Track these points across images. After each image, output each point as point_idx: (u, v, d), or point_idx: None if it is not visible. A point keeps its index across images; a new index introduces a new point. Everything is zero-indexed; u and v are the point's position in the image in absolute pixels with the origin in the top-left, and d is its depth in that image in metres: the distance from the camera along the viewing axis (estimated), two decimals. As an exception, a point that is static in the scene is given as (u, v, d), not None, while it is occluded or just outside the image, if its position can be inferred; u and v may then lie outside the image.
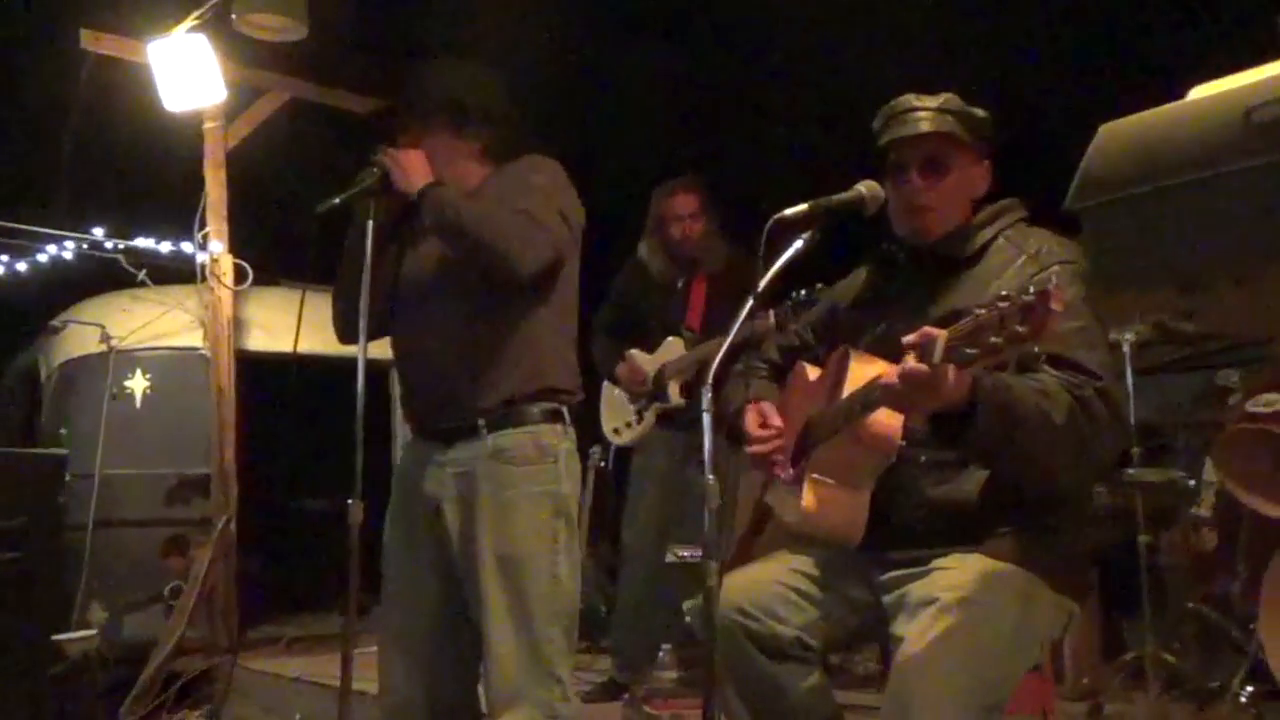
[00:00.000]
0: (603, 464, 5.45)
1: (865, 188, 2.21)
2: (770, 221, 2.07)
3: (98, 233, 5.80)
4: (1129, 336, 3.79)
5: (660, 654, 4.43)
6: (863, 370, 2.11)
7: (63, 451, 5.26)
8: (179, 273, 5.97)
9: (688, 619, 4.73)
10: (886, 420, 2.05)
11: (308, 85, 6.04)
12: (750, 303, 2.07)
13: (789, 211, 2.11)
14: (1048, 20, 4.78)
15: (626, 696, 4.00)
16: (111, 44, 5.49)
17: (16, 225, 5.66)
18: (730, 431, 2.39)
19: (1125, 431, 2.00)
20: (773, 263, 2.11)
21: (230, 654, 5.36)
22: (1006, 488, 2.05)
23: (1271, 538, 3.38)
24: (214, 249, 5.78)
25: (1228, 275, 2.61)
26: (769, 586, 2.17)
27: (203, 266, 5.79)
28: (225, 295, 5.85)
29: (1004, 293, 1.66)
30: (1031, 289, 1.61)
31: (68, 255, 5.83)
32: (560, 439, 2.55)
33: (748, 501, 2.53)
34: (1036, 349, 1.74)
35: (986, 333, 1.66)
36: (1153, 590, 3.81)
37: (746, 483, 2.53)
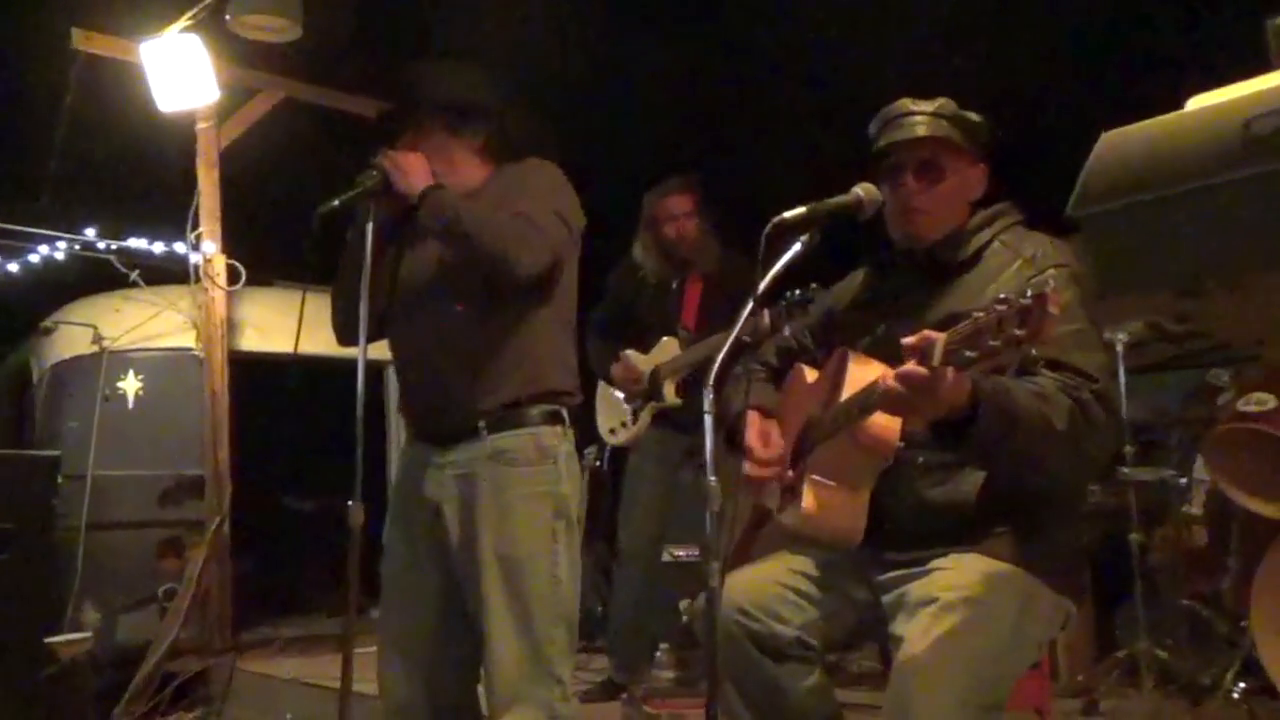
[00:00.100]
0: (598, 464, 5.46)
1: (863, 191, 2.23)
2: (769, 224, 2.08)
3: (90, 233, 5.78)
4: (1122, 336, 3.83)
5: (658, 654, 4.45)
6: (861, 372, 2.12)
7: (55, 453, 5.24)
8: (172, 273, 5.96)
9: (684, 619, 4.76)
10: (885, 422, 2.06)
11: (301, 85, 6.04)
12: (751, 304, 2.09)
13: (788, 214, 2.12)
14: (1048, 26, 4.79)
15: (625, 696, 4.01)
16: (103, 44, 5.49)
17: (8, 225, 5.64)
18: (729, 435, 2.40)
19: (1121, 433, 2.02)
20: (772, 265, 2.12)
21: (233, 653, 5.36)
22: (1004, 489, 2.07)
23: (1263, 535, 3.41)
24: (207, 249, 5.78)
25: (1225, 282, 2.63)
26: (770, 587, 2.18)
27: (196, 267, 5.79)
28: (219, 296, 5.86)
29: (1002, 296, 1.67)
30: (1029, 292, 1.63)
31: (60, 255, 5.82)
32: (560, 440, 2.56)
33: (747, 502, 2.54)
34: (1034, 352, 1.76)
35: (985, 336, 1.68)
36: (1145, 587, 3.84)
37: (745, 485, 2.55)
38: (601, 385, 4.40)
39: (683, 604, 4.80)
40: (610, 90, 5.78)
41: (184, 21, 5.20)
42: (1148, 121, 2.83)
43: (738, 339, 2.03)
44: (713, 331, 4.07)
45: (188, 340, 5.94)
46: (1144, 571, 3.88)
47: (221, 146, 5.88)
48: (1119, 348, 3.79)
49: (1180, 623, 3.90)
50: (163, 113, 5.43)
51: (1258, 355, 3.87)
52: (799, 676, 2.14)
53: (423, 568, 2.57)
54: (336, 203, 2.51)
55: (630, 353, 4.30)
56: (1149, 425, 4.49)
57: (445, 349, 2.54)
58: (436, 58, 2.74)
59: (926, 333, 1.81)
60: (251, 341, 6.12)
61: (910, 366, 1.82)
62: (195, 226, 5.78)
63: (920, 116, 2.27)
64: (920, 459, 2.13)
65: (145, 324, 5.90)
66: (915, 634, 1.93)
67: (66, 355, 5.92)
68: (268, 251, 6.08)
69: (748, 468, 2.32)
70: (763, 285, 2.08)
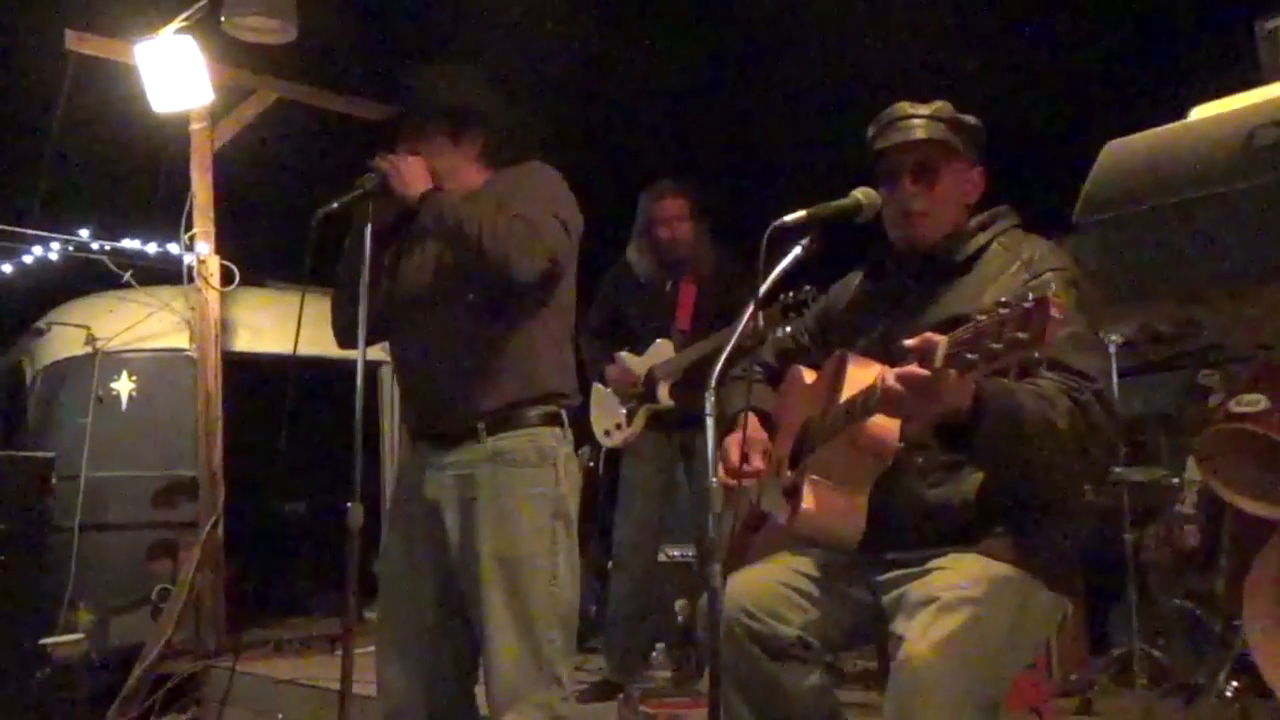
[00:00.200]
0: (592, 464, 5.46)
1: (862, 194, 2.25)
2: (770, 228, 2.10)
3: (84, 233, 5.76)
4: (1114, 338, 3.85)
5: (654, 653, 4.45)
6: (860, 374, 2.14)
7: (50, 454, 5.24)
8: (165, 274, 5.94)
9: (679, 618, 4.77)
10: (884, 424, 2.08)
11: (294, 86, 6.03)
12: (752, 306, 2.10)
13: (788, 218, 2.14)
14: (1049, 32, 4.81)
15: (622, 696, 4.02)
16: (97, 45, 5.48)
17: (1, 226, 5.62)
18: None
19: (1120, 434, 2.04)
20: (773, 268, 2.13)
21: (234, 655, 5.35)
22: (1002, 489, 2.09)
23: (1254, 535, 3.43)
24: (201, 250, 5.78)
25: (1225, 290, 2.66)
26: (771, 587, 2.20)
27: (189, 268, 5.78)
28: (212, 297, 5.85)
29: (1004, 299, 1.69)
30: (1031, 296, 1.64)
31: (53, 256, 5.80)
32: (559, 442, 2.57)
33: (732, 504, 2.56)
34: (1036, 355, 1.77)
35: (986, 339, 1.69)
36: (1138, 587, 3.87)
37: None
38: (596, 387, 4.41)
39: (678, 604, 4.82)
40: (606, 92, 5.80)
41: (178, 23, 5.19)
42: (1152, 131, 2.86)
43: (741, 341, 2.04)
44: (707, 334, 4.08)
45: (181, 341, 5.93)
46: (1137, 571, 3.90)
47: (215, 147, 5.87)
48: (1111, 349, 3.81)
49: (1173, 622, 3.93)
50: (156, 114, 5.43)
51: (1247, 357, 3.90)
52: (800, 676, 2.15)
53: (421, 569, 2.58)
54: (336, 205, 2.52)
55: (624, 355, 4.32)
56: (1141, 425, 4.52)
57: (444, 351, 2.56)
58: (436, 62, 2.74)
59: (928, 335, 1.82)
60: (245, 342, 6.11)
61: (911, 367, 1.84)
62: (189, 227, 5.77)
63: (917, 120, 2.29)
64: (919, 460, 2.14)
65: (139, 325, 5.88)
66: (915, 633, 1.94)
67: (60, 356, 5.90)
68: (261, 252, 6.07)
69: (724, 478, 2.29)
70: (764, 288, 2.09)
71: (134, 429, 5.83)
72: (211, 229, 5.83)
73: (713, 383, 2.00)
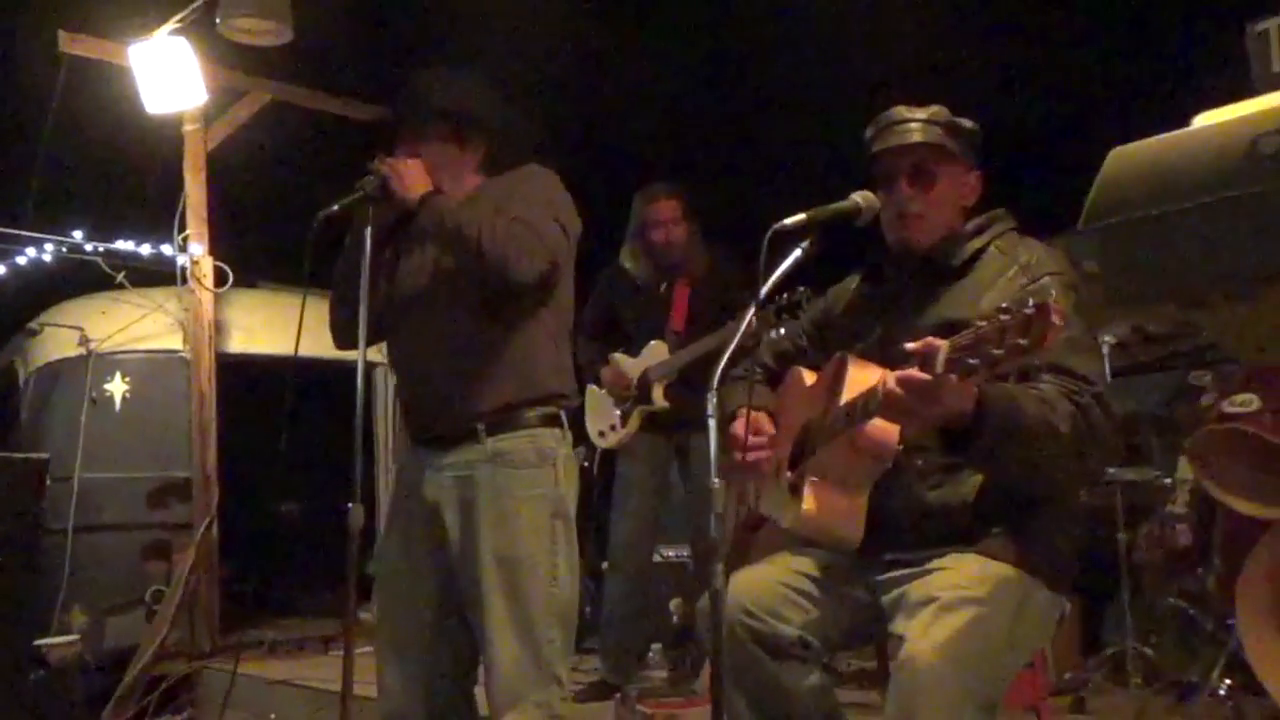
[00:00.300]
0: (586, 465, 5.47)
1: (861, 197, 2.26)
2: (770, 231, 2.11)
3: (77, 235, 5.76)
4: (1107, 338, 3.88)
5: (650, 654, 4.47)
6: (860, 376, 2.15)
7: (44, 455, 5.24)
8: (159, 275, 5.94)
9: (674, 619, 4.78)
10: (884, 427, 2.09)
11: (288, 87, 6.03)
12: (753, 309, 2.11)
13: (788, 221, 2.15)
14: (1046, 35, 4.83)
15: (619, 696, 4.03)
16: (91, 46, 5.47)
17: (-6, 227, 5.63)
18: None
19: (1120, 437, 2.06)
20: (773, 270, 2.15)
21: (235, 657, 5.35)
22: (1001, 491, 2.10)
23: (1246, 535, 3.45)
24: (194, 251, 5.77)
25: (1228, 295, 2.69)
26: (772, 587, 2.21)
27: (183, 269, 5.78)
28: (206, 298, 5.85)
29: (1004, 305, 1.70)
30: (1032, 302, 1.66)
31: (46, 257, 5.80)
32: (558, 443, 2.58)
33: (732, 504, 2.58)
34: (1036, 360, 1.79)
35: (987, 345, 1.71)
36: (1131, 586, 3.89)
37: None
38: (591, 389, 4.42)
39: (673, 604, 4.83)
40: (602, 94, 5.80)
41: (172, 24, 5.19)
42: (1156, 138, 2.88)
43: (740, 343, 2.06)
44: (701, 335, 4.10)
45: (175, 342, 5.93)
46: (1130, 570, 3.92)
47: (209, 148, 5.87)
48: (1105, 350, 3.84)
49: (1166, 621, 3.95)
50: (150, 115, 5.42)
51: (1238, 358, 3.93)
52: (800, 675, 2.16)
53: (421, 570, 2.59)
54: (336, 207, 2.53)
55: (619, 356, 4.33)
56: (1133, 425, 4.55)
57: (443, 352, 2.56)
58: (437, 65, 2.75)
59: (930, 340, 1.84)
60: (239, 343, 6.11)
61: (912, 371, 1.85)
62: (182, 228, 5.77)
63: (914, 123, 2.31)
64: (919, 462, 2.16)
65: (132, 326, 5.89)
66: (916, 633, 1.95)
67: (53, 357, 5.90)
68: (255, 254, 6.07)
69: (736, 456, 2.33)
70: (764, 290, 2.11)
71: (127, 430, 5.83)
72: (205, 230, 5.83)
73: (715, 384, 2.01)
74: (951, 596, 1.98)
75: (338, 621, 6.03)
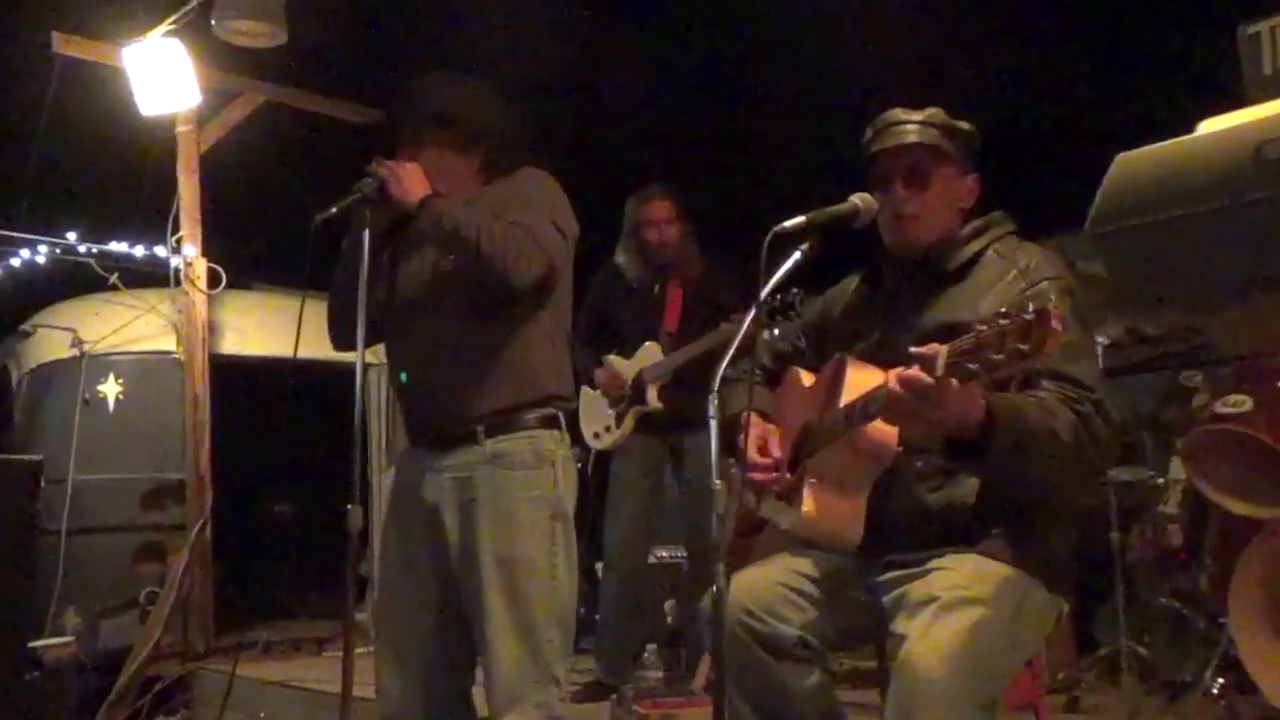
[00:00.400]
0: (580, 465, 5.47)
1: (860, 200, 2.27)
2: (769, 233, 2.12)
3: (70, 236, 5.75)
4: (1100, 339, 3.89)
5: (645, 654, 4.48)
6: (860, 378, 2.17)
7: (38, 457, 5.22)
8: (152, 276, 5.93)
9: (669, 619, 4.78)
10: (883, 428, 2.10)
11: (281, 89, 6.03)
12: (754, 310, 2.13)
13: (788, 223, 2.16)
14: (1044, 37, 4.84)
15: (615, 696, 4.04)
16: (84, 47, 5.46)
17: (-11, 229, 5.62)
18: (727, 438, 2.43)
19: (1118, 441, 2.07)
20: (773, 273, 2.16)
21: (232, 658, 5.35)
22: (1000, 493, 2.12)
23: (1238, 534, 3.48)
24: (187, 253, 5.77)
25: (1232, 299, 2.71)
26: (772, 587, 2.22)
27: (176, 270, 5.78)
28: (199, 299, 5.84)
29: (1004, 310, 1.71)
30: (1031, 307, 1.67)
31: (39, 259, 5.78)
32: (557, 444, 2.59)
33: (732, 507, 2.59)
34: (1037, 365, 1.80)
35: (987, 350, 1.72)
36: (1124, 585, 3.91)
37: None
38: (585, 390, 4.43)
39: (667, 604, 4.84)
40: (597, 97, 5.81)
41: (166, 26, 5.19)
42: (1161, 144, 2.90)
43: (740, 344, 2.07)
44: (694, 336, 4.12)
45: (168, 344, 5.92)
46: (1123, 570, 3.94)
47: (202, 150, 5.87)
48: (1098, 350, 3.85)
49: (1159, 620, 3.97)
50: (143, 116, 5.42)
51: (1230, 360, 3.95)
52: (801, 676, 2.18)
53: (420, 571, 2.59)
54: (335, 210, 2.53)
55: (613, 357, 4.34)
56: (1125, 426, 4.57)
57: (442, 355, 2.57)
58: (435, 71, 2.75)
59: (932, 345, 1.85)
60: (232, 345, 6.11)
61: (914, 371, 1.86)
62: (176, 230, 5.77)
63: (910, 125, 2.32)
64: (919, 464, 2.17)
65: (125, 327, 5.87)
66: (916, 633, 1.96)
67: (46, 359, 5.88)
68: (248, 255, 6.07)
69: (749, 474, 2.34)
70: (765, 292, 2.12)
71: (121, 432, 5.82)
72: (198, 232, 5.82)
73: (715, 385, 2.02)
74: (952, 597, 1.99)
75: (332, 622, 6.07)
